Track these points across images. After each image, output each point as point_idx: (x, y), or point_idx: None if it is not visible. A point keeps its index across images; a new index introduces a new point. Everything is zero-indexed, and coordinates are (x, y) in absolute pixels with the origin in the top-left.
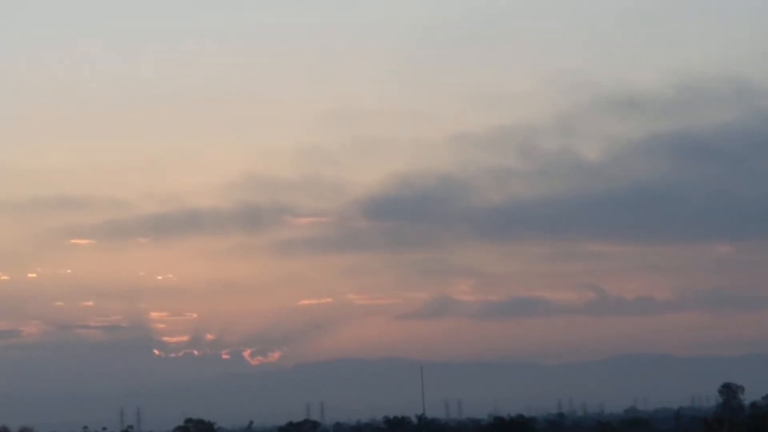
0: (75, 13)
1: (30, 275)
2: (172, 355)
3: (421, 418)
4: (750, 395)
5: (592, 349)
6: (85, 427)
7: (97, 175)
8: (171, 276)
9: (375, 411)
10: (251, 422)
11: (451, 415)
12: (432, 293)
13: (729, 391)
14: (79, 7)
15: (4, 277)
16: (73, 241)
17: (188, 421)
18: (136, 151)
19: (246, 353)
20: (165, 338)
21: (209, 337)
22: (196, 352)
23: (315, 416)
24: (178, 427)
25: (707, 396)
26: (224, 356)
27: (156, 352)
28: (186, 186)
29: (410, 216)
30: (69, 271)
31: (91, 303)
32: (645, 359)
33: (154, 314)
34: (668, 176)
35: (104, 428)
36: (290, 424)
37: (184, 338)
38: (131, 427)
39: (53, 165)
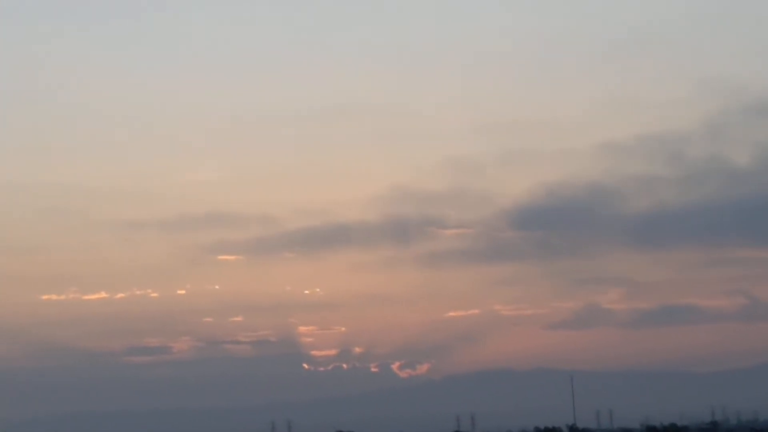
0: (222, 29)
1: (179, 292)
2: (321, 368)
3: (572, 427)
4: None
5: (745, 356)
6: None
7: (245, 192)
8: (318, 290)
9: (525, 421)
10: None
11: (602, 425)
12: (580, 302)
13: None
14: (227, 25)
15: (154, 294)
16: (221, 257)
17: None
18: (285, 166)
19: (395, 366)
20: (313, 352)
21: (357, 350)
22: (344, 366)
23: (465, 427)
24: None
25: None
26: (373, 369)
27: (305, 365)
28: (334, 200)
29: (558, 225)
30: (217, 287)
31: (239, 318)
32: None
33: (302, 328)
34: None
35: None
36: None
37: (333, 352)
38: None
39: (202, 182)
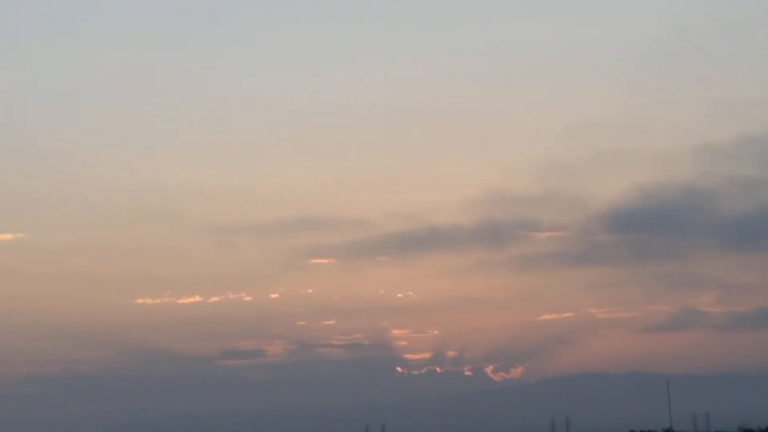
0: (312, 33)
1: (272, 295)
2: (415, 372)
3: (668, 431)
4: None
5: None
6: None
7: (339, 196)
8: (411, 293)
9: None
10: None
11: (699, 428)
12: (675, 305)
13: None
14: (317, 29)
15: (248, 298)
16: (313, 261)
17: None
18: (378, 170)
19: (488, 369)
20: (407, 355)
21: (451, 353)
22: (438, 369)
23: (560, 431)
24: None
25: None
26: (467, 373)
27: (398, 369)
28: (427, 204)
29: (652, 228)
30: (310, 290)
31: (332, 322)
32: None
33: (395, 332)
34: None
35: None
36: None
37: (426, 355)
38: None
39: (297, 186)
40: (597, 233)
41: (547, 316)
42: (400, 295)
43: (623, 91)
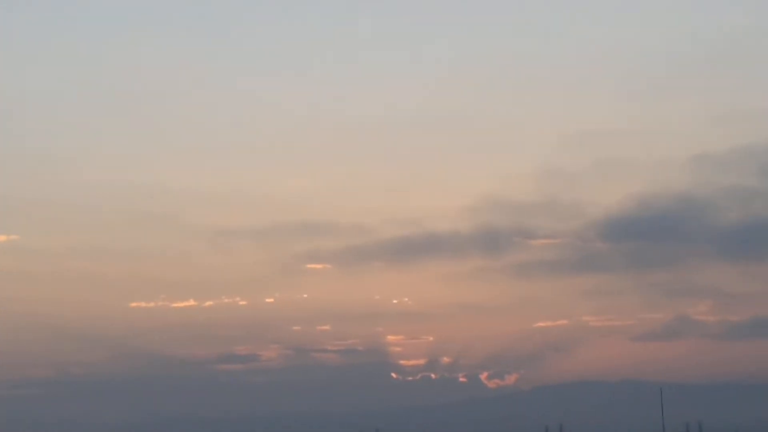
0: (314, 39)
1: (268, 300)
2: (409, 378)
3: None
4: None
5: None
6: None
7: (339, 201)
8: (407, 299)
9: None
10: None
11: None
12: (670, 314)
13: None
14: (316, 33)
15: (243, 303)
16: (309, 265)
17: None
18: (378, 176)
19: (483, 376)
20: (401, 361)
21: (445, 360)
22: (432, 375)
23: None
24: None
25: None
26: (461, 379)
27: (393, 375)
28: (425, 210)
29: (649, 237)
30: (306, 295)
31: (327, 327)
32: None
33: (390, 338)
34: None
35: None
36: None
37: (421, 361)
38: None
39: (294, 191)
40: (593, 241)
41: (542, 324)
42: (395, 301)
43: (622, 100)
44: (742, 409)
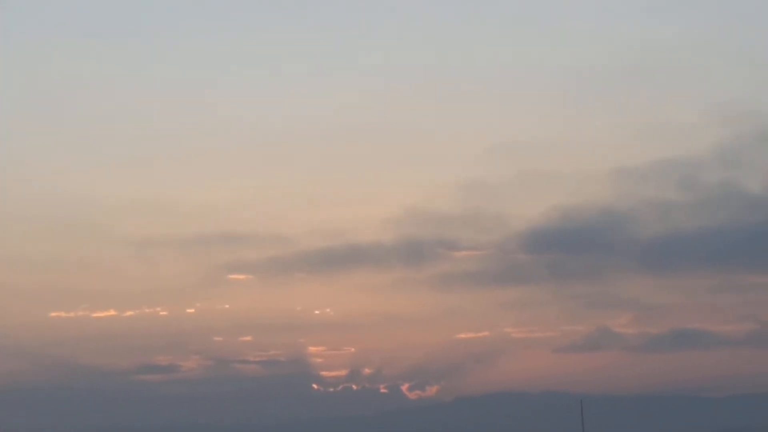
0: (236, 49)
1: (189, 310)
2: (331, 389)
3: None
4: None
5: (755, 381)
6: None
7: (261, 212)
8: (329, 310)
9: None
10: None
11: None
12: (591, 326)
13: None
14: (241, 44)
15: (163, 313)
16: (232, 276)
17: None
18: (301, 187)
19: (404, 387)
20: (323, 372)
21: (367, 371)
22: (354, 386)
23: None
24: None
25: None
26: (382, 390)
27: (314, 386)
28: (349, 221)
29: (570, 249)
30: (227, 306)
31: (249, 338)
32: None
33: (312, 348)
34: None
35: None
36: None
37: (342, 372)
38: None
39: (218, 201)
40: (516, 253)
41: (464, 335)
42: (317, 312)
43: (545, 112)
44: (662, 420)
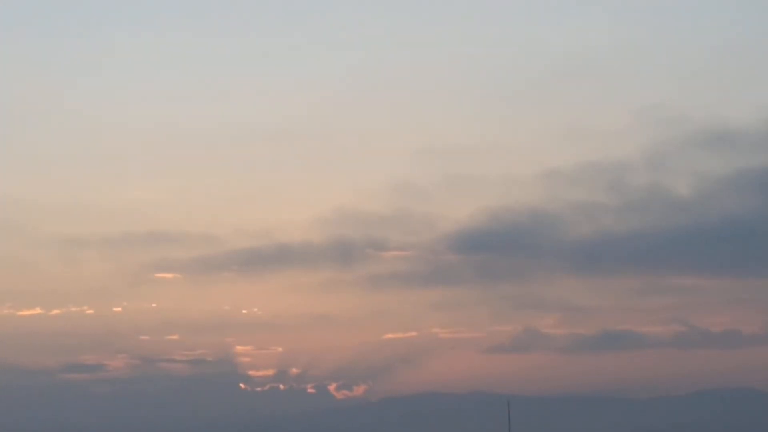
0: (164, 50)
1: (115, 309)
2: (258, 388)
3: None
4: None
5: (681, 382)
6: None
7: (188, 211)
8: (256, 310)
9: None
10: None
11: None
12: (519, 327)
13: None
14: (169, 44)
15: (90, 311)
16: (159, 275)
17: None
18: (229, 186)
19: (331, 387)
20: (250, 372)
21: (294, 371)
22: (281, 386)
23: None
24: None
25: None
26: (309, 390)
27: (242, 385)
28: (277, 221)
29: (499, 250)
30: (154, 305)
31: (176, 337)
32: (732, 393)
33: (239, 348)
34: (759, 211)
35: None
36: None
37: (270, 372)
38: None
39: (145, 201)
40: (444, 254)
41: (391, 335)
42: (245, 311)
43: (474, 115)
44: (589, 421)
